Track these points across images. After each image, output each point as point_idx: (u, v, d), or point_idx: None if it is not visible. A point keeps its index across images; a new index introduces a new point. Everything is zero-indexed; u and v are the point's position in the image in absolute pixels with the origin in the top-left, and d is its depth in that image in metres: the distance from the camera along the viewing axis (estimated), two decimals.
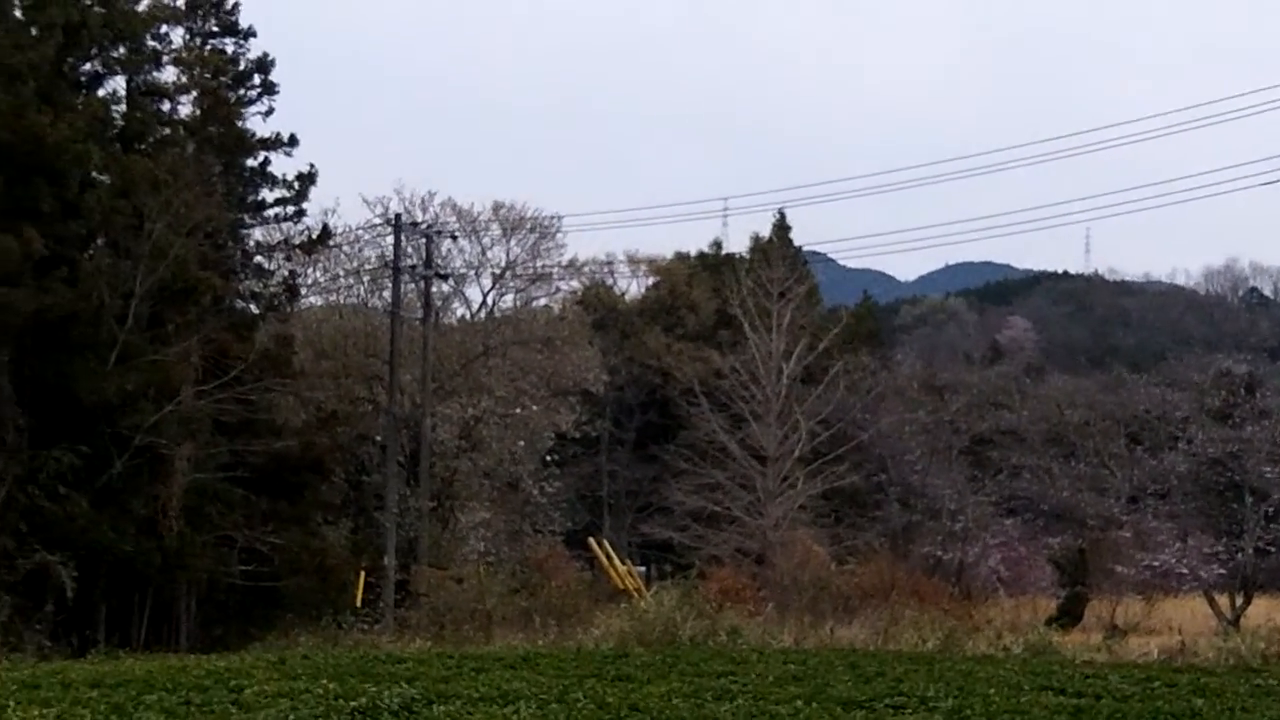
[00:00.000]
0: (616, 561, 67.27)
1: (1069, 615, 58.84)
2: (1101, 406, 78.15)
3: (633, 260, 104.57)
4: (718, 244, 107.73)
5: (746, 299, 72.78)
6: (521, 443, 74.25)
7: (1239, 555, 63.59)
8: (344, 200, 75.97)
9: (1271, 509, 64.82)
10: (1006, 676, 29.58)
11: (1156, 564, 64.24)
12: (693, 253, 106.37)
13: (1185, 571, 64.00)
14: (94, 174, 54.69)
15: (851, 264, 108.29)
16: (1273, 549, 63.96)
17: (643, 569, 71.98)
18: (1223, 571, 64.20)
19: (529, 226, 78.89)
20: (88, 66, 56.69)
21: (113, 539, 51.61)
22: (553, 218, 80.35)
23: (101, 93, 57.73)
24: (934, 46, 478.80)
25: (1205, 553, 64.43)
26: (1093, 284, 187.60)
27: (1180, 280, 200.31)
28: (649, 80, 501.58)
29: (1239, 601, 63.37)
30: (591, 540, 71.48)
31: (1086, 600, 63.42)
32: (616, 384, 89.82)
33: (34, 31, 53.29)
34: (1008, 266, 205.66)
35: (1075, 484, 70.34)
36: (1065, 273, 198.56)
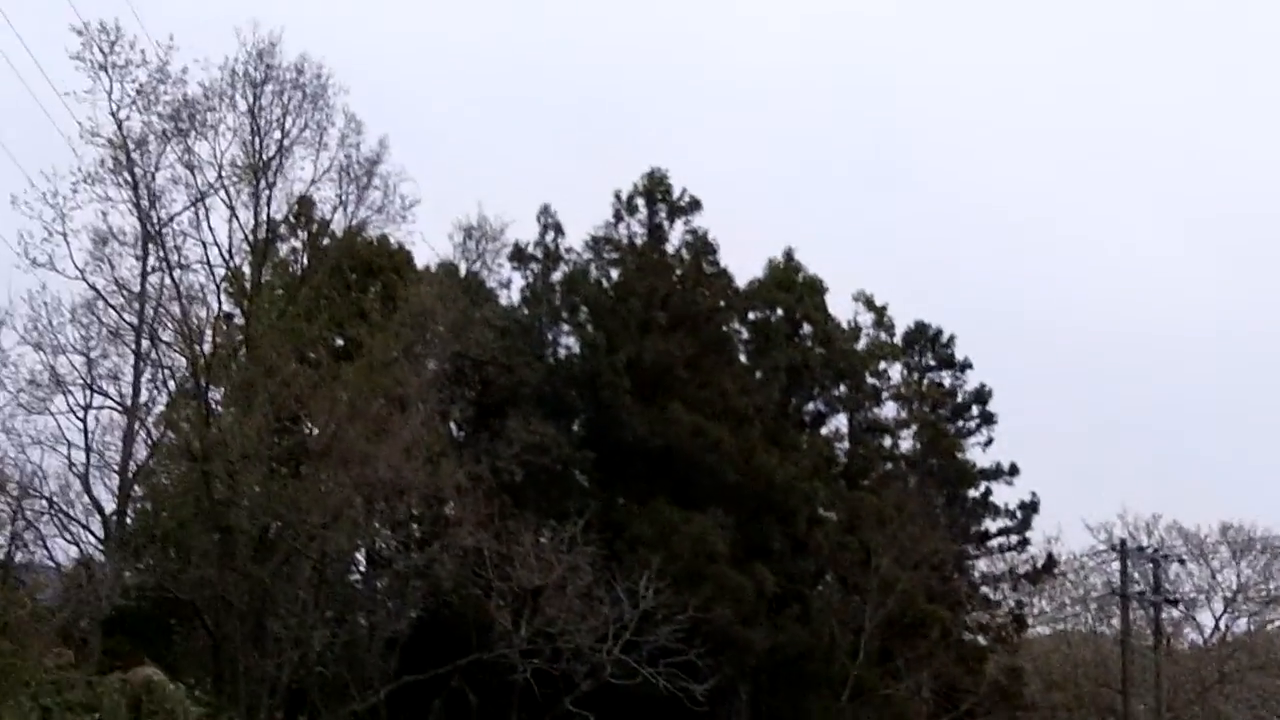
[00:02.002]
0: None
1: None
2: None
3: None
4: None
5: None
6: None
7: None
8: (1067, 527, 73.93)
9: None
10: None
11: None
12: None
13: None
14: (820, 511, 54.75)
15: None
16: None
17: None
18: None
19: (1259, 547, 74.64)
20: (811, 406, 57.50)
21: None
22: None
23: (824, 431, 58.52)
24: None
25: None
26: None
27: None
28: None
29: None
30: None
31: None
32: None
33: (759, 375, 54.59)
34: None
35: None
36: None
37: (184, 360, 44.06)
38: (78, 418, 43.54)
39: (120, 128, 42.66)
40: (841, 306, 58.38)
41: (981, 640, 61.63)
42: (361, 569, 48.37)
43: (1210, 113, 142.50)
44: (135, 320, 43.81)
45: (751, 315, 55.83)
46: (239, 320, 45.25)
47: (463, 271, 50.87)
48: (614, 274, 53.46)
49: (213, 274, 44.80)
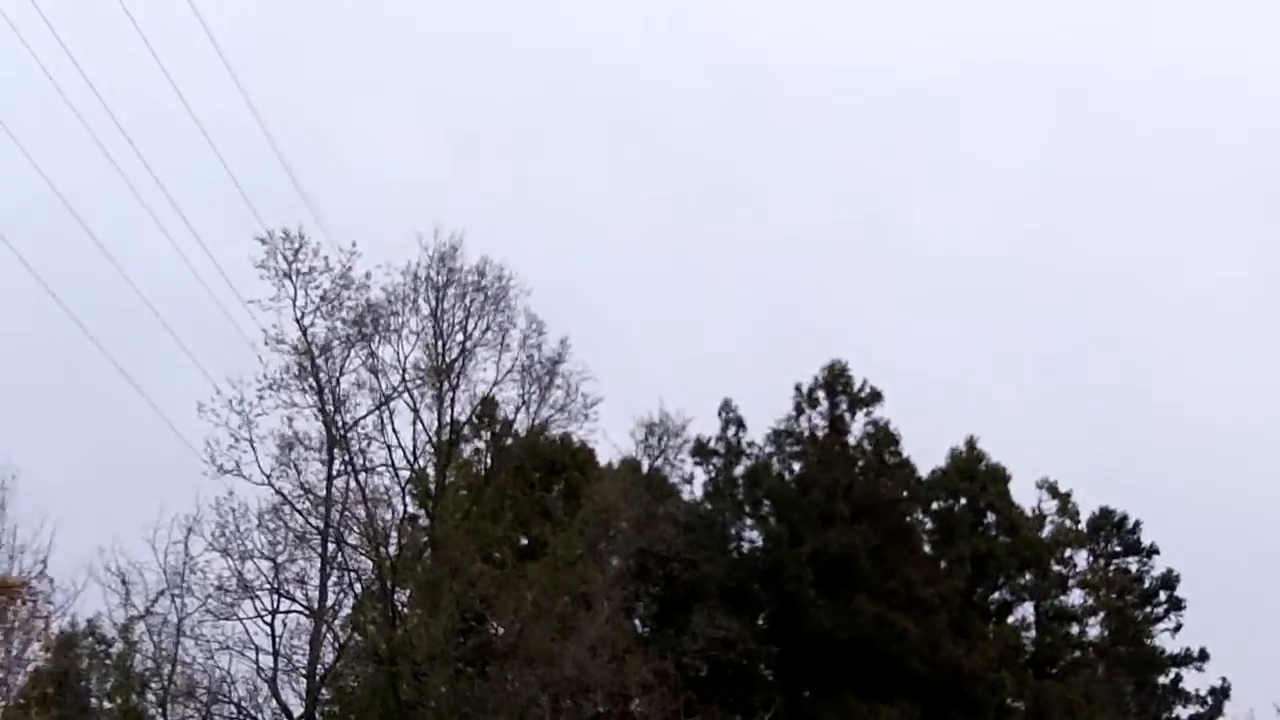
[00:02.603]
0: None
1: None
2: None
3: None
4: None
5: None
6: None
7: None
8: (1259, 710, 69.91)
9: None
10: None
11: None
12: None
13: None
14: (1008, 701, 52.62)
15: None
16: None
17: None
18: None
19: None
20: (996, 595, 55.73)
21: None
22: None
23: (1010, 619, 56.46)
24: None
25: None
26: None
27: None
28: None
29: None
30: None
31: None
32: None
33: (943, 564, 53.13)
34: None
35: None
36: None
37: (370, 563, 43.20)
38: (265, 622, 42.55)
39: (305, 334, 42.11)
40: (1025, 493, 56.90)
41: None
42: None
43: None
44: (321, 524, 42.80)
45: (935, 505, 54.59)
46: (424, 522, 44.49)
47: (645, 468, 50.07)
48: (796, 466, 52.61)
49: (397, 476, 44.20)
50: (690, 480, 51.96)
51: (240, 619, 42.67)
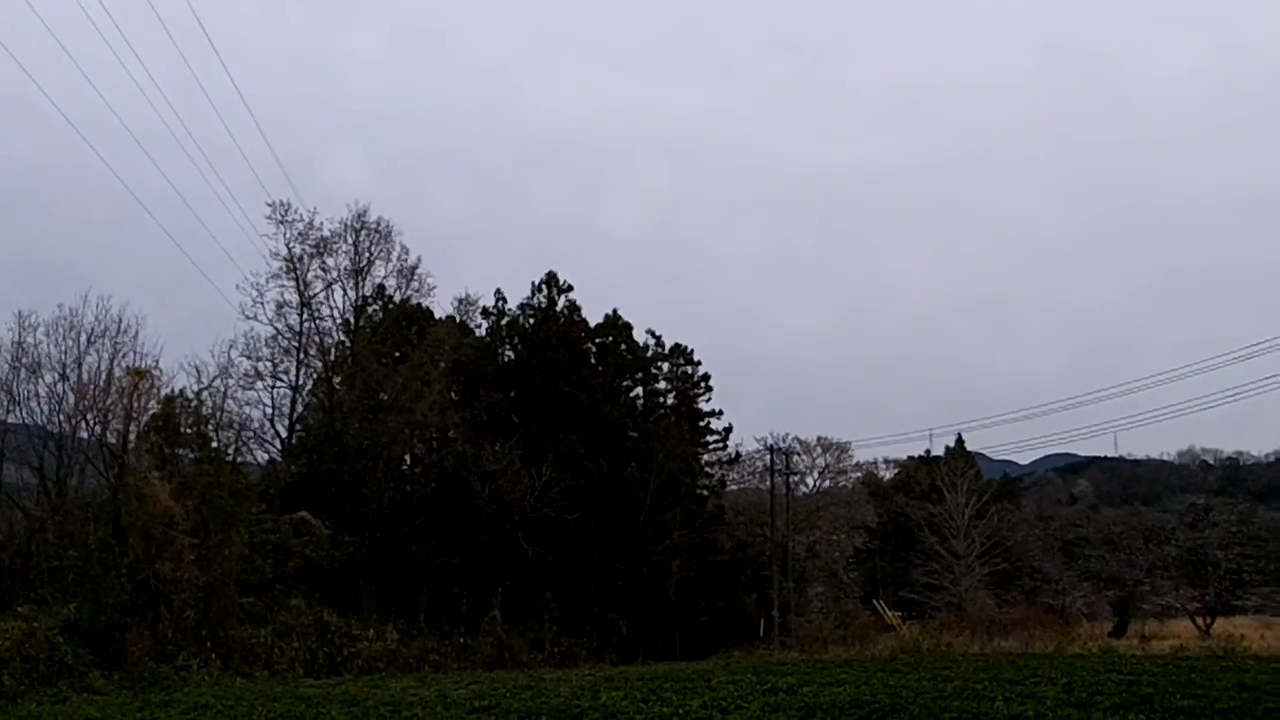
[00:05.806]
0: (888, 611, 62.48)
1: (1119, 631, 52.21)
2: (1129, 524, 70.59)
3: (888, 460, 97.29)
4: (928, 452, 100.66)
5: (945, 477, 68.20)
6: (837, 552, 70.01)
7: (1207, 597, 59.09)
8: (747, 438, 74.30)
9: (1222, 572, 60.00)
10: (1090, 664, 25.57)
11: (1163, 603, 60.12)
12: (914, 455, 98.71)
13: (1179, 606, 59.38)
14: (630, 433, 54.39)
15: (996, 456, 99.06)
16: (1224, 594, 59.63)
17: (900, 614, 66.25)
18: (1199, 605, 59.03)
19: (835, 447, 74.06)
20: (626, 383, 56.90)
21: (649, 606, 50.54)
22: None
23: (632, 394, 57.66)
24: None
25: (1190, 595, 59.68)
26: (1122, 461, 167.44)
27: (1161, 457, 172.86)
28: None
29: (1209, 621, 56.70)
30: (875, 601, 66.84)
31: (1128, 623, 56.72)
32: (883, 521, 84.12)
33: (600, 368, 54.21)
34: (1070, 455, 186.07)
35: (1119, 564, 63.95)
36: (1106, 456, 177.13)
37: (320, 364, 43.54)
38: (269, 391, 42.97)
39: (289, 250, 42.35)
40: (640, 336, 58.30)
41: (704, 493, 61.50)
42: (408, 463, 47.73)
43: None
44: (298, 344, 43.13)
45: (598, 339, 55.39)
46: (348, 344, 44.75)
47: (458, 319, 50.41)
48: (531, 321, 53.02)
49: (335, 323, 44.47)
50: (479, 326, 52.30)
51: (255, 390, 43.15)
